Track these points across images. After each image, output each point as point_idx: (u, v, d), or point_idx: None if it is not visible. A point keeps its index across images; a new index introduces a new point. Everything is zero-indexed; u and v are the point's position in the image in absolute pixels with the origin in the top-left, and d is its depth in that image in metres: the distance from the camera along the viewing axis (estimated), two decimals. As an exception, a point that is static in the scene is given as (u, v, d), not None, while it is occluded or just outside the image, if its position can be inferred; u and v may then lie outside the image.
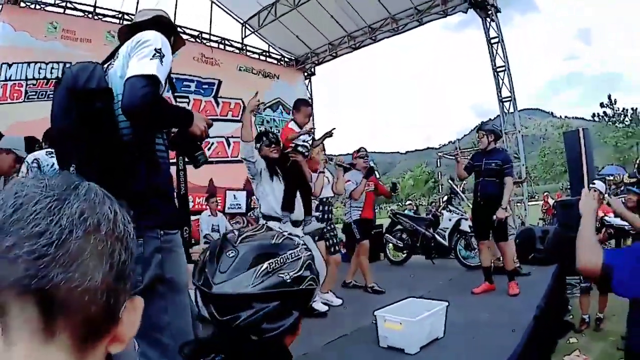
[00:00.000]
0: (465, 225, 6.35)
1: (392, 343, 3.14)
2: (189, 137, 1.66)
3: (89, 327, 0.44)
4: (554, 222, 13.60)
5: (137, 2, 8.65)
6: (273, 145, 3.88)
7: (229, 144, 9.16)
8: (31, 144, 3.45)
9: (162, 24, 1.75)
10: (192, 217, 7.84)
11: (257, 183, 3.90)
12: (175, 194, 1.69)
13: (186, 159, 1.74)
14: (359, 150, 5.40)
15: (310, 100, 11.67)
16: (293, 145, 4.27)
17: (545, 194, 18.74)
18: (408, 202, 22.59)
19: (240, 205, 9.11)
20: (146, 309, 0.52)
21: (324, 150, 4.71)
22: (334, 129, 4.53)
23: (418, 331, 3.08)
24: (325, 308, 4.32)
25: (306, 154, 4.36)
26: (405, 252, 7.24)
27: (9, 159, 3.11)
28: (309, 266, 0.88)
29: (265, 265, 0.83)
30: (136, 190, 1.47)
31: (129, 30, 1.73)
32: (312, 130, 4.79)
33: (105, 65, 1.61)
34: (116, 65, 1.56)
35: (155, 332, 1.49)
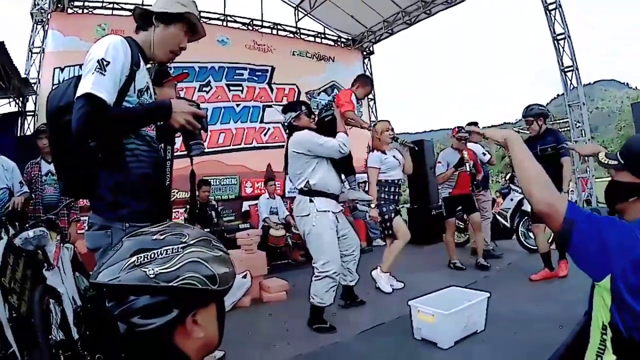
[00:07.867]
0: (528, 206, 5.75)
1: (425, 335, 2.99)
2: (170, 129, 1.67)
3: None
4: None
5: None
6: (313, 116, 3.79)
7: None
8: None
9: (159, 15, 1.73)
10: (252, 202, 7.99)
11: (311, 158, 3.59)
12: (154, 187, 1.72)
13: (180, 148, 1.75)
14: (459, 130, 5.31)
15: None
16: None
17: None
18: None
19: (300, 189, 9.15)
20: None
21: (392, 129, 4.63)
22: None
23: (452, 324, 2.86)
24: (389, 289, 4.41)
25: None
26: (466, 233, 6.80)
27: None
28: (194, 264, 0.83)
29: (133, 258, 0.81)
30: (102, 190, 1.58)
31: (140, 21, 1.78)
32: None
33: None
34: None
35: None
